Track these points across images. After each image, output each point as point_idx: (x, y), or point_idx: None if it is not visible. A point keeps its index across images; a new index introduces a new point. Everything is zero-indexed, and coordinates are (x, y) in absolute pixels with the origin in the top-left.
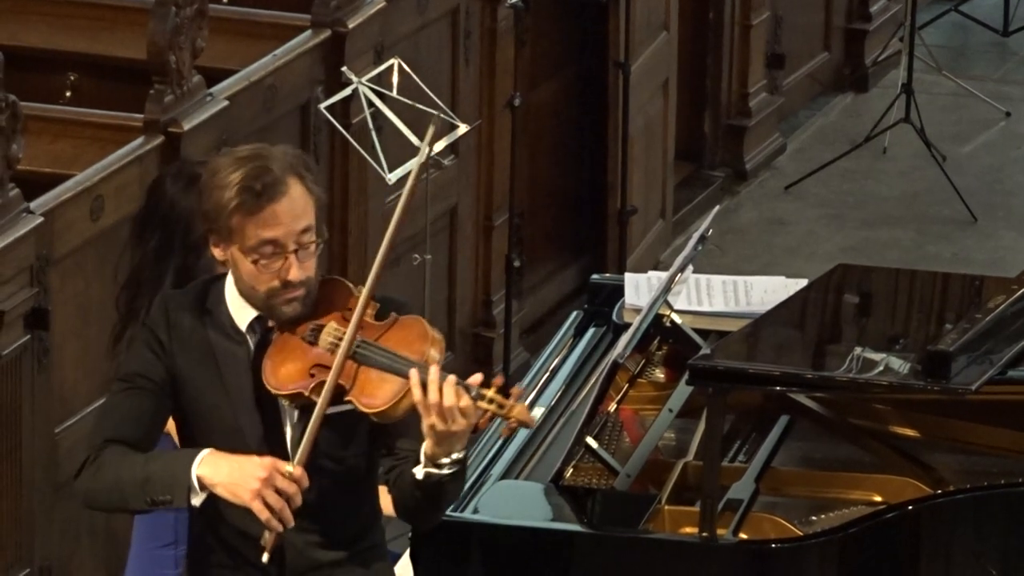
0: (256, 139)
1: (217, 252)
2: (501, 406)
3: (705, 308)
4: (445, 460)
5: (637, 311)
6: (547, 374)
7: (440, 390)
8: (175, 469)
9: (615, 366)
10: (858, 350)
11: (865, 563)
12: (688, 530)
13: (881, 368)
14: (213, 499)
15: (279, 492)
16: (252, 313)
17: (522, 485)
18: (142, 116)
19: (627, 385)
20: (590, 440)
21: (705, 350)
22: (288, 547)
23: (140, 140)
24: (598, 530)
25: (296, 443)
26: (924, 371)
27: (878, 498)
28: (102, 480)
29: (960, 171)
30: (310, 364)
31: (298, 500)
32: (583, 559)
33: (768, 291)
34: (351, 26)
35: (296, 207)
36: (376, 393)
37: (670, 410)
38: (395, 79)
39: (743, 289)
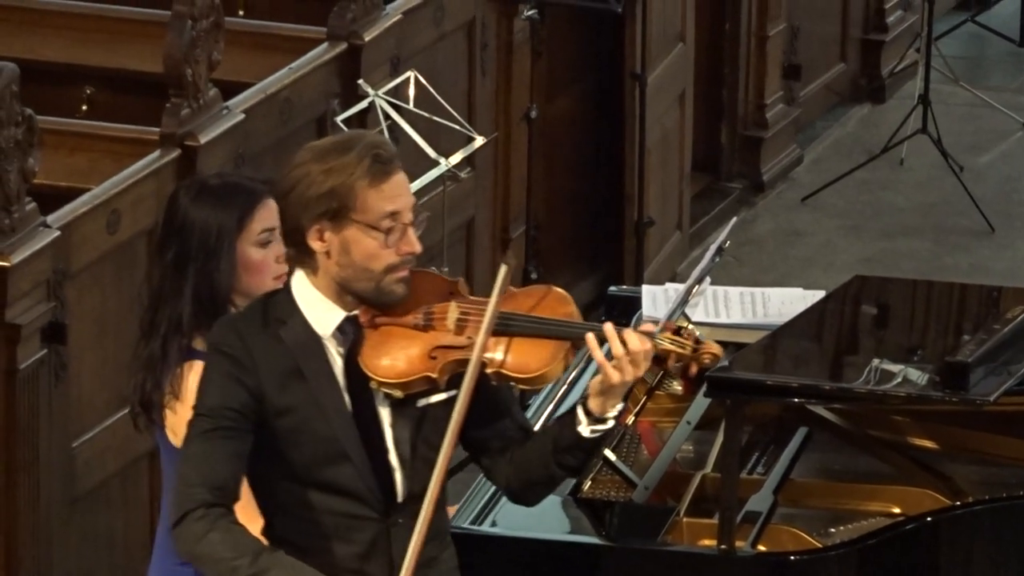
0: (272, 152)
1: (318, 244)
2: (683, 345)
3: (723, 320)
4: (610, 413)
5: (655, 323)
6: (565, 386)
7: (623, 341)
8: None
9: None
10: (876, 361)
11: (884, 574)
12: (707, 542)
13: (899, 379)
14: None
15: None
16: (339, 314)
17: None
18: (158, 129)
19: (645, 397)
20: (608, 452)
21: (723, 362)
22: (396, 545)
23: (156, 153)
24: (616, 542)
25: (402, 438)
26: (942, 382)
27: (897, 509)
28: (208, 547)
29: (977, 181)
30: (429, 348)
31: None
32: (602, 571)
33: (785, 303)
34: (367, 39)
35: (407, 183)
36: (528, 360)
37: (688, 422)
38: (411, 91)
39: (760, 301)
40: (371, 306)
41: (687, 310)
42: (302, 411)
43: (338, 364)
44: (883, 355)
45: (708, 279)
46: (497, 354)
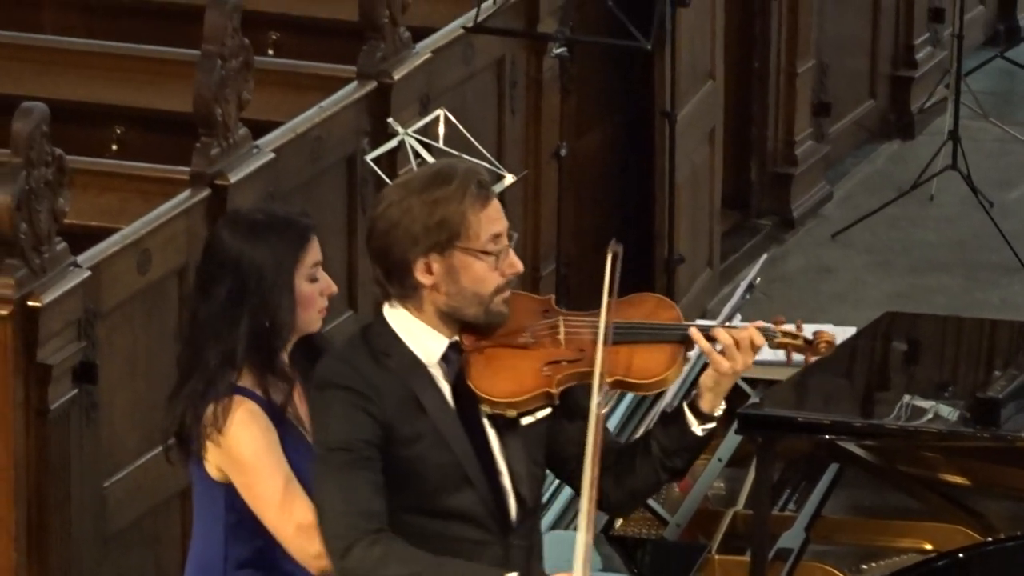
0: (303, 191)
1: (425, 277)
2: (796, 336)
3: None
4: (719, 411)
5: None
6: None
7: (730, 332)
8: None
9: (664, 416)
10: (907, 398)
11: None
12: None
13: (930, 415)
14: None
15: None
16: (443, 341)
17: (572, 535)
18: (188, 169)
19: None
20: None
21: (754, 399)
22: (512, 566)
23: (187, 193)
24: None
25: (516, 459)
26: (973, 418)
27: (928, 546)
28: (391, 569)
29: (1007, 217)
30: (540, 364)
31: None
32: None
33: None
34: (397, 77)
35: (500, 206)
36: (648, 365)
37: (719, 459)
38: (441, 129)
39: None
40: (474, 330)
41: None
42: (425, 440)
43: (446, 391)
44: (914, 391)
45: (739, 316)
46: (616, 363)
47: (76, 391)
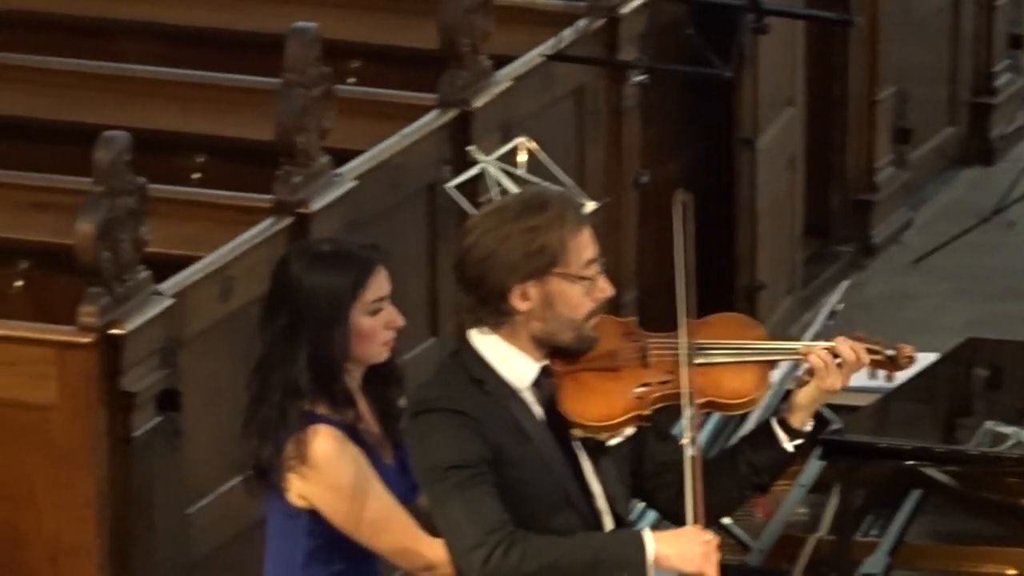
0: (384, 218)
1: (521, 304)
2: (879, 352)
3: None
4: (808, 427)
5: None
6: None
7: (836, 350)
8: (626, 551)
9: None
10: (988, 424)
11: None
12: None
13: (1012, 441)
14: None
15: (716, 553)
16: (534, 366)
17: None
18: (270, 197)
19: None
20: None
21: (836, 425)
22: None
23: (269, 221)
24: None
25: (609, 481)
26: None
27: (1012, 572)
28: (533, 564)
29: None
30: (631, 387)
31: None
32: None
33: None
34: (477, 105)
35: None
36: (738, 385)
37: (802, 485)
38: (522, 157)
39: None
40: (564, 354)
41: (799, 373)
42: (529, 463)
43: (540, 415)
44: (995, 417)
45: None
46: (706, 384)
47: (159, 419)
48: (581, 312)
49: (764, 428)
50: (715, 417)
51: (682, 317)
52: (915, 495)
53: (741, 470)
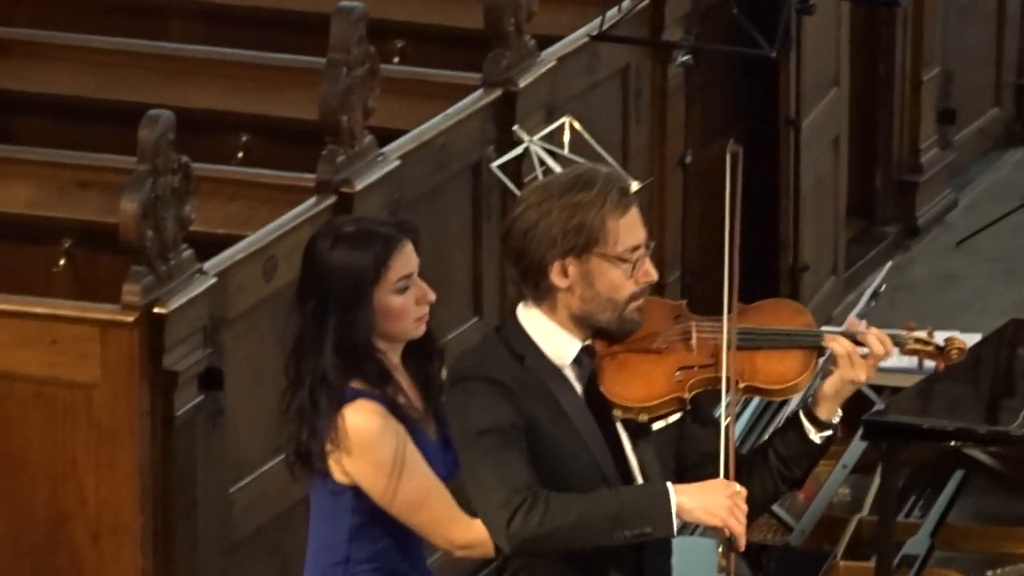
0: (428, 198)
1: (561, 280)
2: (928, 343)
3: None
4: (836, 420)
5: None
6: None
7: (861, 339)
8: (651, 504)
9: (781, 425)
10: None
11: None
12: None
13: None
14: None
15: (743, 508)
16: (576, 344)
17: (697, 542)
18: (314, 176)
19: None
20: None
21: (879, 406)
22: (648, 568)
23: (312, 200)
24: None
25: (648, 461)
26: None
27: None
28: (555, 522)
29: None
30: (673, 369)
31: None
32: None
33: None
34: (522, 85)
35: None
36: (781, 370)
37: (844, 466)
38: (567, 137)
39: None
40: (608, 336)
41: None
42: (565, 437)
43: (580, 393)
44: None
45: (864, 323)
46: (748, 368)
47: (202, 398)
48: (622, 294)
49: (793, 419)
50: (753, 405)
51: (729, 288)
52: (958, 476)
53: (772, 463)
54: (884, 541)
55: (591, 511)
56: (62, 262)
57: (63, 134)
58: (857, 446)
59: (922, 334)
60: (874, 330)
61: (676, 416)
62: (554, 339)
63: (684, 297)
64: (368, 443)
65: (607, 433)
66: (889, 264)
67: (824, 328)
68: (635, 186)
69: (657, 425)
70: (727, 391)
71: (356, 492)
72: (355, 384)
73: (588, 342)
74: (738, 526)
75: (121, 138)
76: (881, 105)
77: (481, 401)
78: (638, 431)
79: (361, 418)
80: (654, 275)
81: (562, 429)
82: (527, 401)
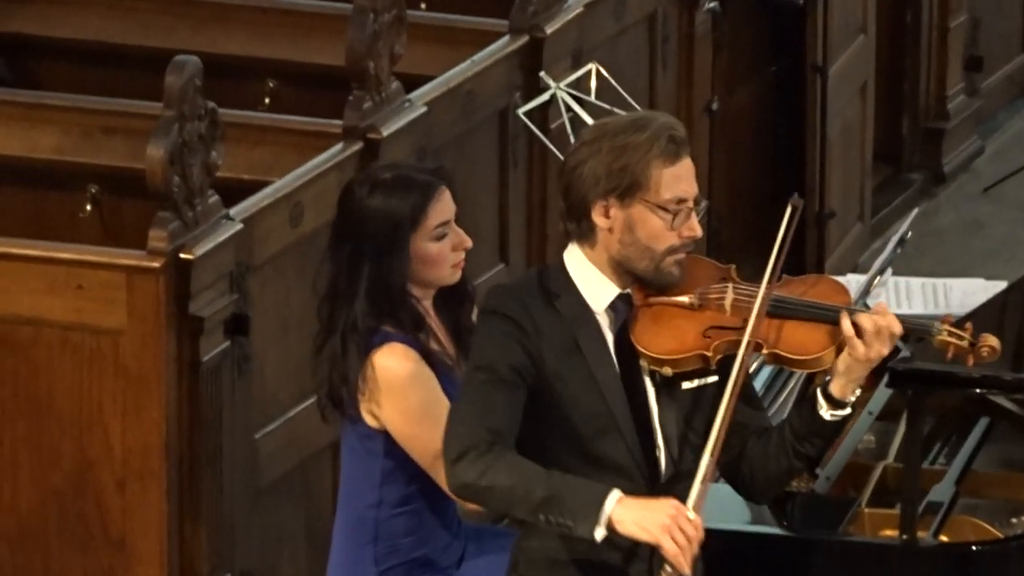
0: (455, 145)
1: (602, 220)
2: (961, 338)
3: (904, 310)
4: (850, 398)
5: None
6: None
7: (872, 319)
8: (584, 499)
9: (799, 400)
10: None
11: None
12: (888, 533)
13: None
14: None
15: (685, 533)
16: (613, 290)
17: (721, 488)
18: (341, 123)
19: None
20: None
21: (905, 353)
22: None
23: (339, 146)
24: (798, 533)
25: (667, 419)
26: None
27: None
28: (492, 479)
29: None
30: (704, 327)
31: (696, 546)
32: (783, 562)
33: (967, 293)
34: (549, 31)
35: (692, 166)
36: (806, 341)
37: (870, 412)
38: (593, 84)
39: (942, 292)
40: (646, 286)
41: (868, 301)
42: (579, 382)
43: (610, 339)
44: None
45: (890, 270)
46: (773, 336)
47: (228, 343)
48: (660, 244)
49: (811, 395)
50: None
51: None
52: (983, 423)
53: (787, 436)
54: (909, 488)
55: (526, 485)
56: (88, 208)
57: (89, 80)
58: (883, 393)
59: (956, 329)
60: (879, 316)
61: (709, 379)
62: (592, 282)
63: (711, 243)
64: (398, 387)
65: (632, 384)
66: (915, 211)
67: (850, 304)
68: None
69: (686, 384)
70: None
71: (387, 436)
72: (388, 328)
73: (627, 290)
74: (672, 546)
75: (148, 84)
76: (908, 52)
77: (492, 337)
78: (665, 387)
79: (392, 361)
80: (698, 231)
81: (575, 370)
82: (542, 342)
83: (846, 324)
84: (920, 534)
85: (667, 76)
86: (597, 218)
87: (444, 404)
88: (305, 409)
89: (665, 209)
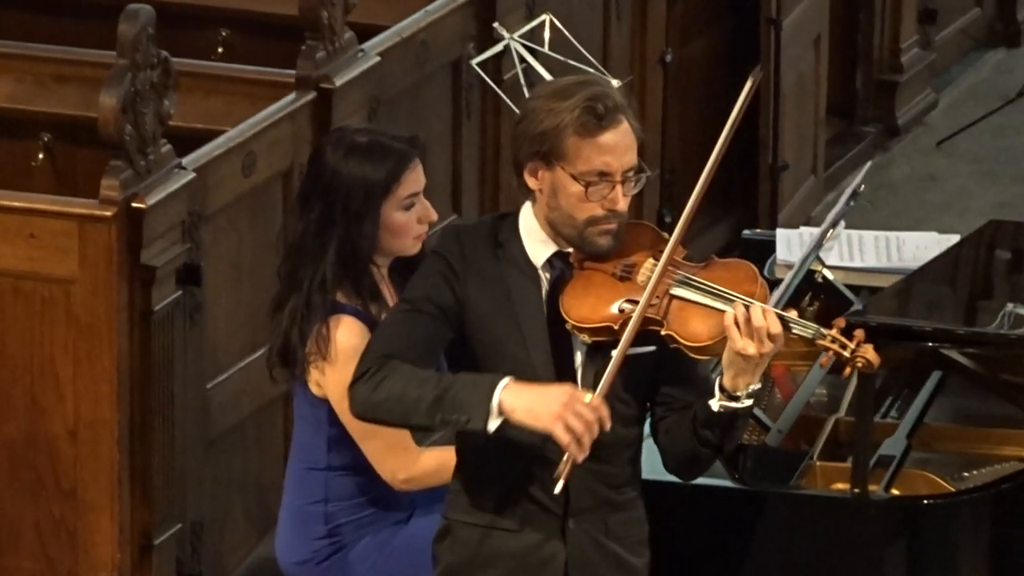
0: (408, 95)
1: (532, 181)
2: (844, 345)
3: (857, 264)
4: (742, 391)
5: (789, 267)
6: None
7: (764, 316)
8: (474, 391)
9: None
10: (1010, 306)
11: (1019, 518)
12: (840, 486)
13: None
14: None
15: (580, 419)
16: (551, 248)
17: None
18: (294, 72)
19: None
20: None
21: (857, 306)
22: (572, 483)
23: (292, 96)
24: (749, 486)
25: (588, 380)
26: None
27: None
28: (385, 391)
29: None
30: (622, 299)
31: (595, 430)
32: (734, 515)
33: (920, 247)
34: None
35: (627, 140)
36: (699, 328)
37: (822, 366)
38: (547, 35)
39: (895, 245)
40: (577, 250)
41: (821, 254)
42: (503, 330)
43: (544, 295)
44: (1017, 299)
45: (843, 223)
46: (673, 318)
47: (180, 293)
48: (581, 214)
49: (713, 383)
50: None
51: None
52: (935, 377)
53: (689, 420)
54: (861, 442)
55: (419, 388)
56: (41, 156)
57: (42, 27)
58: None
59: (840, 336)
60: (761, 314)
61: (644, 349)
62: (535, 237)
63: (663, 195)
64: (343, 360)
65: (558, 342)
66: (868, 164)
67: (761, 304)
68: (614, 84)
69: (612, 352)
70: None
71: (331, 406)
72: (342, 299)
73: (568, 249)
74: (564, 435)
75: (100, 32)
76: (862, 5)
77: (425, 275)
78: (594, 351)
79: (343, 334)
80: (619, 205)
81: (504, 322)
82: (472, 288)
83: (727, 315)
84: (871, 487)
85: (621, 27)
86: (528, 178)
87: None
88: (257, 359)
89: (578, 181)
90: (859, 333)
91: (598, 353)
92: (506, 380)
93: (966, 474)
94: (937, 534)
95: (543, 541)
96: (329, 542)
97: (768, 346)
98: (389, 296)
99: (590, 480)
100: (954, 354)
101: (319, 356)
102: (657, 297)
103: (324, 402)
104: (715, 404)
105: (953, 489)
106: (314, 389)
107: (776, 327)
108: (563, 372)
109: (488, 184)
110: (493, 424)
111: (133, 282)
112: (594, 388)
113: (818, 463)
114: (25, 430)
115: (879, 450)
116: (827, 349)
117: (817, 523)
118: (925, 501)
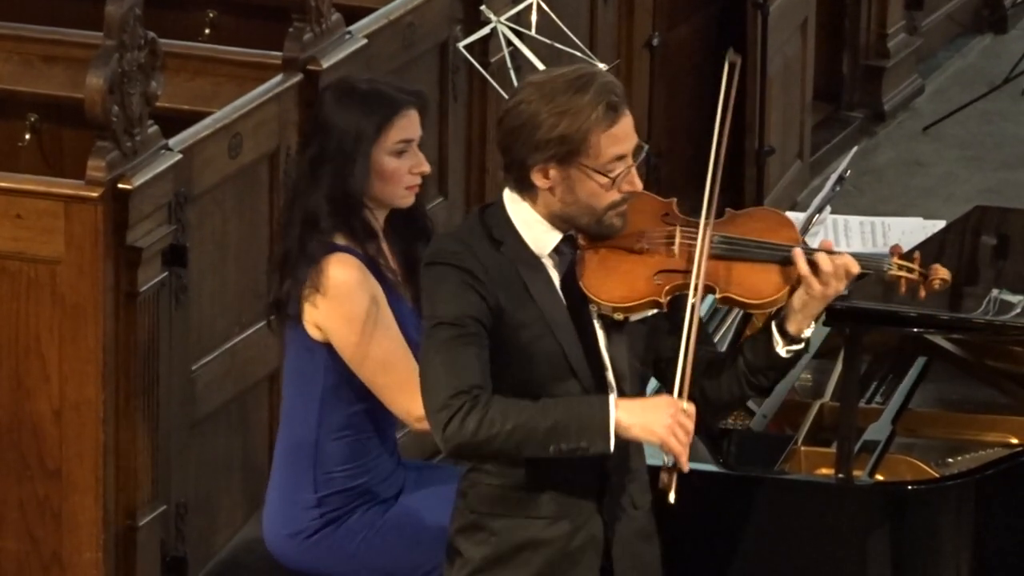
0: (394, 78)
1: (540, 180)
2: (913, 271)
3: (843, 249)
4: (805, 333)
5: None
6: None
7: (830, 258)
8: (587, 416)
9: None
10: (995, 292)
11: (1002, 504)
12: (824, 471)
13: (1018, 310)
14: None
15: (684, 428)
16: (556, 235)
17: None
18: (281, 54)
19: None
20: None
21: (843, 291)
22: (612, 462)
23: (279, 78)
24: (734, 470)
25: (615, 358)
26: None
27: (1015, 440)
28: (489, 431)
29: None
30: (653, 271)
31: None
32: (719, 499)
33: (906, 232)
34: None
35: (632, 121)
36: (760, 284)
37: (807, 350)
38: (534, 18)
39: (881, 230)
40: (589, 236)
41: (807, 239)
42: (534, 327)
43: (557, 282)
44: (1002, 285)
45: (828, 208)
46: (724, 279)
47: (166, 274)
48: (601, 202)
49: (765, 329)
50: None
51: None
52: (920, 362)
53: (740, 367)
54: (845, 427)
55: (529, 421)
56: (28, 136)
57: (29, 7)
58: (820, 331)
59: (906, 261)
60: (836, 255)
61: (653, 311)
62: (535, 229)
63: (650, 178)
64: (344, 295)
65: (581, 323)
66: (855, 149)
67: (800, 244)
68: (601, 67)
69: (633, 318)
70: (692, 308)
71: (330, 350)
72: (339, 239)
73: (571, 232)
74: (677, 445)
75: (88, 12)
76: None
77: (449, 288)
78: (614, 325)
79: (340, 270)
80: (638, 185)
81: (529, 316)
82: (497, 289)
83: (802, 264)
84: (856, 473)
85: (608, 10)
86: (536, 179)
87: (389, 316)
88: (242, 340)
89: (604, 173)
90: (918, 255)
91: (617, 325)
92: (612, 398)
93: (950, 460)
94: (921, 519)
95: (582, 524)
96: (319, 512)
97: (844, 283)
98: (386, 248)
99: (623, 455)
100: (939, 340)
101: (314, 290)
102: (692, 262)
103: (322, 346)
104: (782, 351)
105: (937, 475)
106: (311, 331)
107: (855, 266)
108: (591, 357)
109: (474, 167)
110: (612, 445)
111: (119, 263)
112: (679, 391)
113: (803, 448)
114: (10, 410)
115: (864, 435)
116: (898, 279)
117: (801, 508)
118: (909, 487)
